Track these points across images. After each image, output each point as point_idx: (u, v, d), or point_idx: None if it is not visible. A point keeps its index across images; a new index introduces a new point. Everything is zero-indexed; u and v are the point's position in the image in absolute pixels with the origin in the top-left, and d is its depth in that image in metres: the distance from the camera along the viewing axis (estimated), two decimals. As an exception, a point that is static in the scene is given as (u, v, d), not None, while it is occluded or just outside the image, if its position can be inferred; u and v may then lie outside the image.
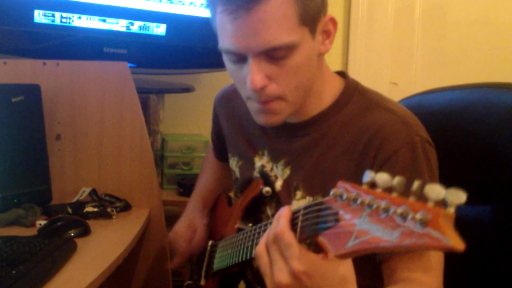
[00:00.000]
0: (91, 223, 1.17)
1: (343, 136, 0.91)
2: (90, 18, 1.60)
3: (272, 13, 0.79)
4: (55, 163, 1.37)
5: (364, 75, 2.15)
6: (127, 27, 1.67)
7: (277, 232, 0.66)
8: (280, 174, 0.99)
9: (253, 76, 0.83)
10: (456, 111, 1.04)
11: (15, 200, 1.22)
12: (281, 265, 0.65)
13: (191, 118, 2.16)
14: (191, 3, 1.76)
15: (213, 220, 1.25)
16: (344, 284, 0.66)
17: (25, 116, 1.27)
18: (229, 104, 1.13)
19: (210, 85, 2.06)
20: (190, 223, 1.21)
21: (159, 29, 1.73)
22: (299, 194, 0.94)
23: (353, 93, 0.94)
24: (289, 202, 0.93)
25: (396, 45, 2.20)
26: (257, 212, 1.01)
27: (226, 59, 0.89)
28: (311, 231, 0.63)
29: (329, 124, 0.93)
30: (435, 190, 0.47)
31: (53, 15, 1.53)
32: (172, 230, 1.23)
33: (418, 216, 0.47)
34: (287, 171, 0.97)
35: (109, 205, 1.30)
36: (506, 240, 0.95)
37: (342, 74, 0.99)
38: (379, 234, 0.51)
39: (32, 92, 1.30)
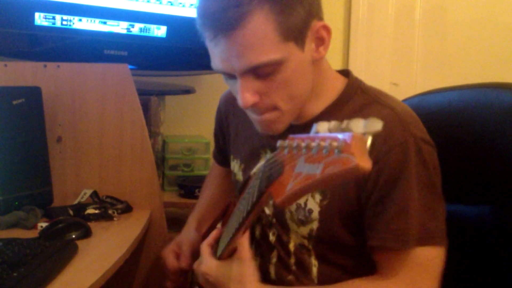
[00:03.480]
0: (92, 225, 1.17)
1: None
2: (91, 21, 1.60)
3: (251, 35, 0.81)
4: (56, 165, 1.37)
5: (365, 75, 2.13)
6: (128, 29, 1.68)
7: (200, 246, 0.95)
8: None
9: (242, 95, 0.86)
10: (455, 112, 1.04)
11: (16, 203, 1.22)
12: (198, 268, 0.95)
13: (192, 119, 2.16)
14: (192, 4, 1.76)
15: (222, 224, 1.25)
16: (241, 279, 0.83)
17: (26, 118, 1.28)
18: (234, 104, 1.13)
19: (211, 86, 2.06)
20: (178, 244, 1.20)
21: (160, 31, 1.73)
22: None
23: (355, 91, 0.94)
24: None
25: (396, 46, 2.20)
26: None
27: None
28: (264, 185, 0.68)
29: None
30: (356, 123, 0.53)
31: (53, 18, 1.54)
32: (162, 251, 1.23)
33: (335, 144, 0.51)
34: None
35: (110, 207, 1.30)
36: (506, 240, 0.95)
37: (346, 72, 0.99)
38: (309, 171, 0.55)
39: (33, 95, 1.30)
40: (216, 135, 1.25)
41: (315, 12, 0.86)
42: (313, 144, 0.55)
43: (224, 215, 1.26)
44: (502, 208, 0.96)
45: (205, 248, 0.94)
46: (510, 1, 2.15)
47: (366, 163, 0.50)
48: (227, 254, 0.90)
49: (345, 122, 0.54)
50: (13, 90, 1.27)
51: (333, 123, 0.56)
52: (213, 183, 1.34)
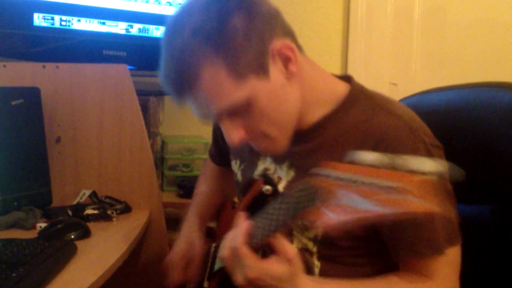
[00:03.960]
0: (91, 225, 1.17)
1: (348, 139, 0.90)
2: (90, 21, 1.60)
3: (207, 88, 0.82)
4: (55, 165, 1.37)
5: (364, 75, 2.15)
6: (127, 30, 1.68)
7: (232, 247, 0.82)
8: (284, 176, 0.98)
9: (228, 135, 0.88)
10: (455, 111, 1.04)
11: (15, 203, 1.22)
12: (239, 270, 0.83)
13: (191, 120, 2.16)
14: (190, 5, 1.76)
15: (218, 224, 1.25)
16: (293, 278, 0.80)
17: (25, 119, 1.28)
18: None
19: (210, 87, 2.06)
20: (187, 251, 1.17)
21: (159, 31, 1.73)
22: None
23: (358, 97, 0.93)
24: None
25: (395, 46, 2.20)
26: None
27: None
28: (298, 210, 0.68)
29: (334, 128, 0.92)
30: (418, 162, 0.51)
31: (52, 18, 1.54)
32: (169, 255, 1.19)
33: (399, 184, 0.50)
34: (291, 173, 0.97)
35: (109, 207, 1.30)
36: (506, 240, 0.95)
37: (347, 78, 0.97)
38: (362, 206, 0.54)
39: (32, 95, 1.30)
40: (215, 135, 1.24)
41: (270, 35, 0.84)
42: (367, 179, 0.53)
43: (219, 215, 1.26)
44: (502, 208, 0.96)
45: (244, 250, 0.82)
46: (508, 0, 2.15)
47: (435, 207, 0.49)
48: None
49: (401, 158, 0.52)
50: (12, 91, 1.27)
51: (386, 157, 0.54)
52: (208, 181, 1.33)
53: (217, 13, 0.81)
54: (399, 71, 2.20)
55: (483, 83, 1.02)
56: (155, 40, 1.73)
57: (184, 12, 0.85)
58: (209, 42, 0.80)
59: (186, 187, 1.84)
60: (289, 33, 0.88)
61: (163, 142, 1.96)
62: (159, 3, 1.72)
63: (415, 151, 0.85)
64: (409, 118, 0.89)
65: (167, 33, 0.86)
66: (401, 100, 1.15)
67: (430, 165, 0.50)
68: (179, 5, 0.88)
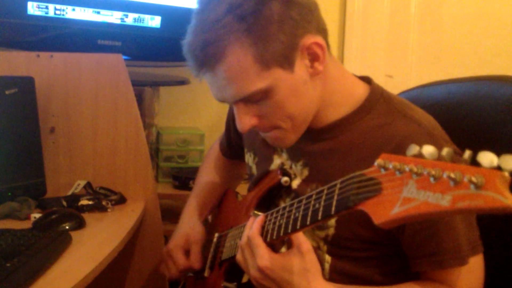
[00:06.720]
0: (86, 216, 1.16)
1: (365, 142, 0.89)
2: (84, 10, 1.59)
3: (231, 69, 0.81)
4: (50, 156, 1.36)
5: (360, 67, 2.14)
6: (122, 19, 1.66)
7: (249, 235, 0.83)
8: (298, 174, 0.98)
9: (239, 120, 0.87)
10: (455, 104, 1.03)
11: (10, 193, 1.21)
12: (252, 262, 0.83)
13: (186, 111, 2.15)
14: (186, -5, 1.75)
15: (220, 214, 1.24)
16: (305, 274, 0.79)
17: (18, 108, 1.27)
18: None
19: (205, 78, 2.05)
20: (187, 239, 1.15)
21: (154, 21, 1.72)
22: None
23: (377, 100, 0.92)
24: None
25: (391, 38, 2.19)
26: (271, 204, 1.00)
27: None
28: (350, 202, 0.65)
29: (351, 130, 0.91)
30: (489, 157, 0.48)
31: (46, 7, 1.52)
32: (168, 244, 1.17)
33: (474, 178, 0.47)
34: (306, 172, 0.96)
35: (104, 198, 1.30)
36: (506, 239, 0.95)
37: (367, 79, 0.96)
38: (428, 200, 0.51)
39: (26, 85, 1.29)
40: (228, 126, 1.23)
41: (303, 29, 0.83)
42: (433, 171, 0.51)
43: (220, 205, 1.26)
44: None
45: (259, 240, 0.83)
46: (505, -6, 2.15)
47: None
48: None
49: (467, 153, 0.50)
50: (5, 80, 1.26)
51: (446, 150, 0.52)
52: (211, 171, 1.32)
53: None
54: (395, 64, 2.20)
55: (483, 76, 1.02)
56: (151, 30, 1.72)
57: None
58: (242, 21, 0.80)
59: (181, 179, 1.84)
60: (323, 31, 0.88)
61: (158, 133, 1.95)
62: (155, -8, 1.71)
63: None
64: (429, 125, 0.87)
65: (202, 4, 0.85)
66: (401, 93, 1.15)
67: (505, 161, 0.47)
68: None
